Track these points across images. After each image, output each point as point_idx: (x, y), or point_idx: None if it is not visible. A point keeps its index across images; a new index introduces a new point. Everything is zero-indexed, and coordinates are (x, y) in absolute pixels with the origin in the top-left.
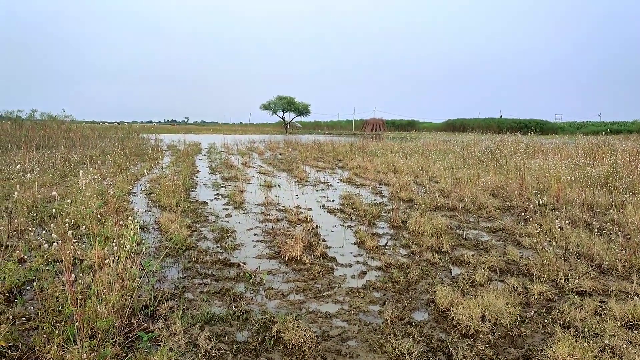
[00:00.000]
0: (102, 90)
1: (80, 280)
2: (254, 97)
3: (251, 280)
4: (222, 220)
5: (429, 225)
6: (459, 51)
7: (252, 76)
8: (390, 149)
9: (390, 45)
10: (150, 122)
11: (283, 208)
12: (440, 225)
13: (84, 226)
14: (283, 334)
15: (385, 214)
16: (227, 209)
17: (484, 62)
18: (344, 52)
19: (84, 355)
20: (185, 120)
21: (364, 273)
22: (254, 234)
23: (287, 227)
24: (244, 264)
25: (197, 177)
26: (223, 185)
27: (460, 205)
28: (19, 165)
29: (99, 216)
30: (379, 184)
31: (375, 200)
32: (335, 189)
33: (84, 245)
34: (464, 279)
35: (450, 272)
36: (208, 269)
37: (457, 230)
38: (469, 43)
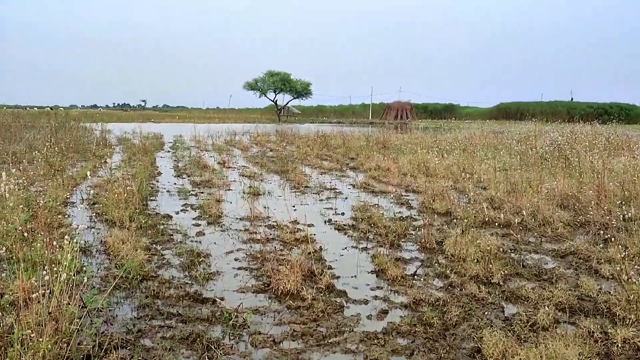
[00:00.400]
0: (28, 61)
1: None
2: (237, 75)
3: (231, 322)
4: (191, 241)
5: (473, 247)
6: (513, 12)
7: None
8: (420, 144)
9: (420, 3)
10: (95, 106)
11: (275, 223)
12: (489, 248)
13: (4, 248)
14: None
15: (413, 232)
16: (198, 225)
17: (548, 27)
18: (359, 15)
19: None
20: (142, 104)
21: (385, 312)
22: (235, 259)
23: (281, 250)
24: (222, 299)
25: (158, 181)
26: (193, 193)
27: (517, 221)
28: None
29: (24, 234)
30: (406, 191)
31: (400, 213)
32: (346, 198)
33: (4, 274)
34: (521, 320)
35: (503, 312)
36: (172, 306)
37: (512, 255)
38: (528, 1)
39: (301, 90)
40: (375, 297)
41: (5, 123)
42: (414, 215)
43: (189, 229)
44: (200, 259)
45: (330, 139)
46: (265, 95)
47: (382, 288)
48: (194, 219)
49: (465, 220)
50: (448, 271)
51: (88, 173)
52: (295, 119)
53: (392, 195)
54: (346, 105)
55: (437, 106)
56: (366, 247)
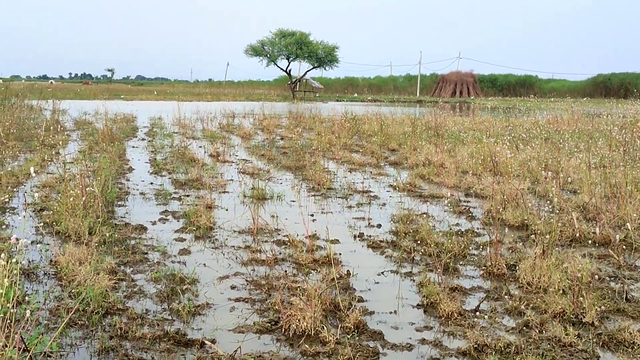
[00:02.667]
0: None
1: None
2: (236, 36)
3: None
4: (172, 261)
5: (557, 273)
6: None
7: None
8: (487, 130)
9: None
10: (45, 78)
11: (286, 239)
12: (579, 274)
13: None
14: None
15: (476, 252)
16: (182, 240)
17: None
18: None
19: None
20: (109, 75)
21: None
22: (232, 287)
23: (294, 275)
24: (213, 342)
25: (128, 179)
26: (176, 196)
27: (618, 237)
28: None
29: None
30: (466, 196)
31: (457, 225)
32: (384, 204)
33: None
34: None
35: None
36: (146, 350)
37: (612, 284)
38: None
39: (324, 57)
40: (423, 341)
41: None
42: (477, 228)
43: (170, 245)
44: (185, 287)
45: (362, 124)
46: (275, 64)
47: (431, 328)
48: (176, 231)
49: (548, 237)
50: (523, 306)
51: (33, 169)
52: (315, 96)
53: (447, 201)
54: (385, 77)
55: (510, 79)
56: (411, 272)
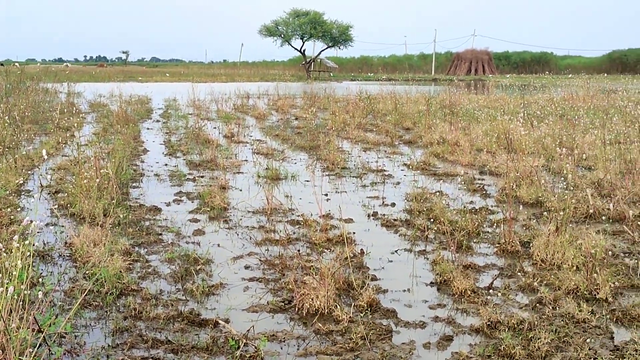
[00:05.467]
0: None
1: None
2: (251, 17)
3: (239, 353)
4: (187, 242)
5: (571, 250)
6: None
7: None
8: (502, 108)
9: None
10: (61, 61)
11: (300, 218)
12: (593, 251)
13: None
14: None
15: (489, 230)
16: (196, 221)
17: None
18: None
19: None
20: (124, 57)
21: (449, 339)
22: (245, 267)
23: (307, 255)
24: (226, 321)
25: (143, 161)
26: (190, 177)
27: (633, 213)
28: None
29: None
30: (480, 174)
31: (472, 203)
32: (398, 183)
33: None
34: (636, 351)
35: (612, 339)
36: (160, 330)
37: (626, 260)
38: None
39: (338, 36)
40: (436, 319)
41: None
42: (491, 206)
43: (184, 226)
44: (199, 267)
45: (377, 103)
46: (289, 44)
47: (445, 306)
48: (190, 212)
49: (562, 213)
50: (536, 283)
51: (45, 152)
52: (330, 76)
53: (461, 179)
54: (400, 55)
55: (525, 56)
56: (424, 250)
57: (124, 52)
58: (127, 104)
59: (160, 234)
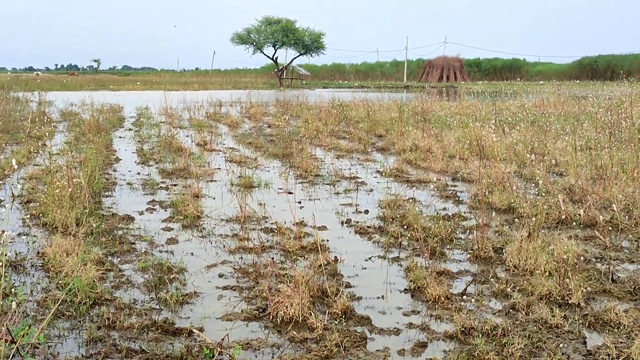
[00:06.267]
0: None
1: None
2: (222, 24)
3: None
4: (160, 251)
5: (544, 255)
6: None
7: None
8: (473, 114)
9: None
10: (31, 69)
11: (274, 226)
12: (566, 256)
13: None
14: None
15: (462, 236)
16: (169, 230)
17: None
18: None
19: None
20: (95, 65)
21: (423, 345)
22: (219, 275)
23: (281, 262)
24: (201, 330)
25: (115, 170)
26: (163, 186)
27: (604, 218)
28: None
29: None
30: (453, 180)
31: (444, 210)
32: (371, 190)
33: None
34: (609, 355)
35: (584, 344)
36: (134, 339)
37: (598, 265)
38: None
39: (310, 44)
40: (410, 325)
41: None
42: (464, 212)
43: (157, 234)
44: (172, 276)
45: (349, 110)
46: (262, 51)
47: (419, 312)
48: (163, 220)
49: (534, 219)
50: (509, 288)
51: (14, 161)
52: (302, 83)
53: (434, 186)
54: (372, 63)
55: (496, 62)
56: (398, 257)
57: (95, 61)
58: (99, 112)
59: (134, 243)
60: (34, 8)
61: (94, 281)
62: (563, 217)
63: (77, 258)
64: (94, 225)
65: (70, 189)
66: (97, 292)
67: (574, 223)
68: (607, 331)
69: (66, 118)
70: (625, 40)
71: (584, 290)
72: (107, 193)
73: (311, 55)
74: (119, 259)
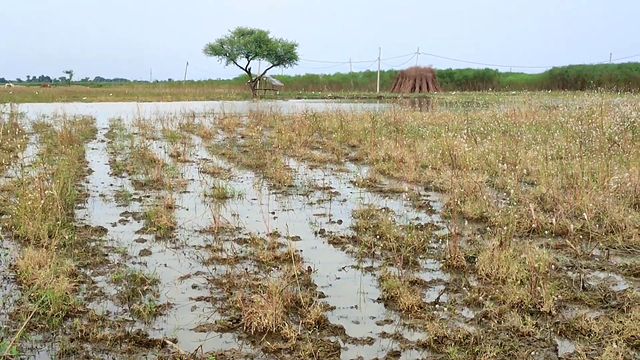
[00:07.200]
0: None
1: None
2: (196, 36)
3: None
4: (133, 262)
5: (516, 264)
6: None
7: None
8: (446, 125)
9: None
10: (3, 81)
11: (248, 237)
12: (537, 265)
13: None
14: None
15: (435, 245)
16: (142, 241)
17: None
18: None
19: None
20: (67, 77)
21: (396, 355)
22: (193, 287)
23: (255, 273)
24: (174, 341)
25: (88, 181)
26: (136, 197)
27: (575, 227)
28: None
29: None
30: (425, 190)
31: (417, 219)
32: (345, 200)
33: None
34: None
35: (556, 351)
36: (107, 351)
37: (569, 273)
38: None
39: (283, 55)
40: (384, 335)
41: None
42: (437, 222)
43: (130, 246)
44: (146, 287)
45: (323, 121)
46: (235, 62)
47: (392, 322)
48: (136, 232)
49: (506, 228)
50: (481, 297)
51: None
52: (276, 94)
53: (406, 196)
54: (345, 73)
55: (468, 73)
56: (371, 267)
57: (67, 72)
58: (71, 124)
59: (107, 255)
60: (4, 19)
61: (66, 293)
62: (534, 226)
63: (49, 270)
64: (67, 237)
65: (42, 201)
66: (70, 304)
67: (546, 232)
68: (578, 339)
69: (38, 130)
70: (596, 50)
71: (555, 299)
72: (79, 205)
73: (284, 66)
74: (91, 270)
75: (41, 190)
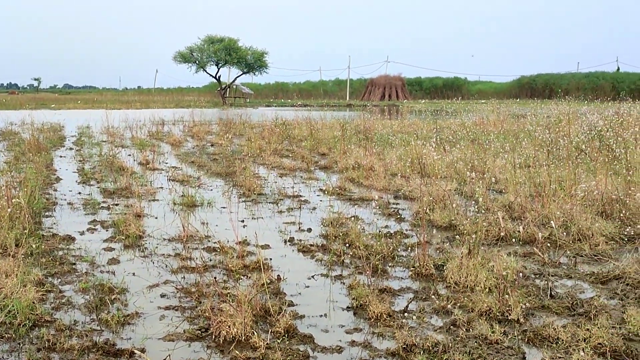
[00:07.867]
0: None
1: None
2: (165, 43)
3: None
4: (101, 271)
5: (484, 272)
6: None
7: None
8: (415, 133)
9: None
10: None
11: (217, 245)
12: (505, 273)
13: None
14: None
15: (404, 253)
16: (111, 250)
17: None
18: None
19: None
20: (35, 84)
21: None
22: (162, 295)
23: (224, 282)
24: (142, 351)
25: (56, 190)
26: (104, 205)
27: (542, 235)
28: None
29: None
30: (395, 198)
31: (386, 227)
32: (314, 208)
33: None
34: None
35: (524, 359)
36: None
37: (537, 281)
38: None
39: (253, 62)
40: (353, 343)
41: None
42: (406, 230)
43: (98, 255)
44: (114, 297)
45: (293, 129)
46: (205, 70)
47: (361, 330)
48: (105, 241)
49: (474, 236)
50: (450, 305)
51: None
52: (246, 102)
53: (376, 204)
54: (315, 81)
55: (437, 81)
56: (341, 275)
57: (35, 79)
58: (39, 131)
59: (74, 264)
60: None
61: (33, 302)
62: (502, 234)
63: (16, 279)
64: (34, 246)
65: (9, 209)
66: (37, 313)
67: (514, 240)
68: (545, 346)
69: (5, 137)
70: (563, 59)
71: (523, 306)
72: (47, 213)
73: (254, 74)
74: (59, 279)
75: (8, 198)
